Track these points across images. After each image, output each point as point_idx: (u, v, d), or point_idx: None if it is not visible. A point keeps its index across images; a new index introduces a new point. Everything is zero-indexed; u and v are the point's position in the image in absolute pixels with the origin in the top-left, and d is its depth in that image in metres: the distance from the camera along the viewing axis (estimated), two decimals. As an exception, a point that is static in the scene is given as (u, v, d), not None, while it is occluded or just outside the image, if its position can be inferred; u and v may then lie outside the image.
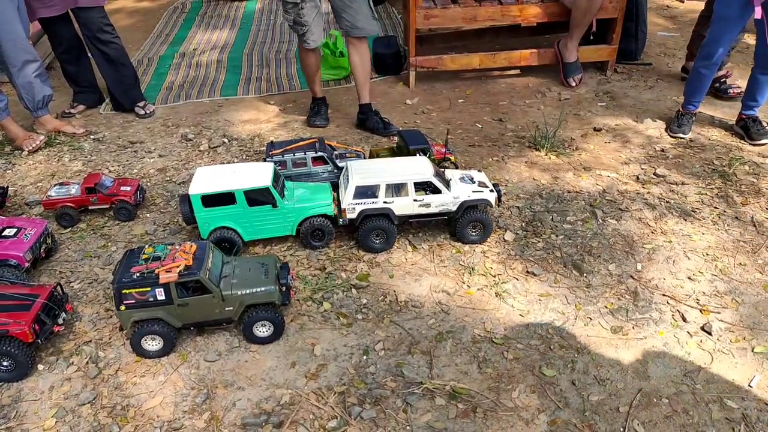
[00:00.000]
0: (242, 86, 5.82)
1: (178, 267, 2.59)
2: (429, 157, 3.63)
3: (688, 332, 2.71)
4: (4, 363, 2.55)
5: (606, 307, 2.87)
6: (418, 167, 3.32)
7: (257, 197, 3.16)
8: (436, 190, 3.25)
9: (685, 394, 2.43)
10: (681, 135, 4.45)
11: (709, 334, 2.69)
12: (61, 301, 2.81)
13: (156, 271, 2.57)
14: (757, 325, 2.74)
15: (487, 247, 3.32)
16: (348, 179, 3.26)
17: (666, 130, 4.58)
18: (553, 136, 4.37)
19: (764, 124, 4.38)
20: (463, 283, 3.06)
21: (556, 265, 3.16)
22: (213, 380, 2.57)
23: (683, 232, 3.37)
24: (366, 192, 3.19)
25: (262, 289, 2.70)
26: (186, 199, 3.18)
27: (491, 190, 3.33)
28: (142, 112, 5.20)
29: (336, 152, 3.82)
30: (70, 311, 2.86)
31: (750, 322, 2.77)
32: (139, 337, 2.63)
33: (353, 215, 3.23)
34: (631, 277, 3.05)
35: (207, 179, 3.22)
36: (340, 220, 3.27)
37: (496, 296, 2.96)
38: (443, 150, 3.90)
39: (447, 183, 3.30)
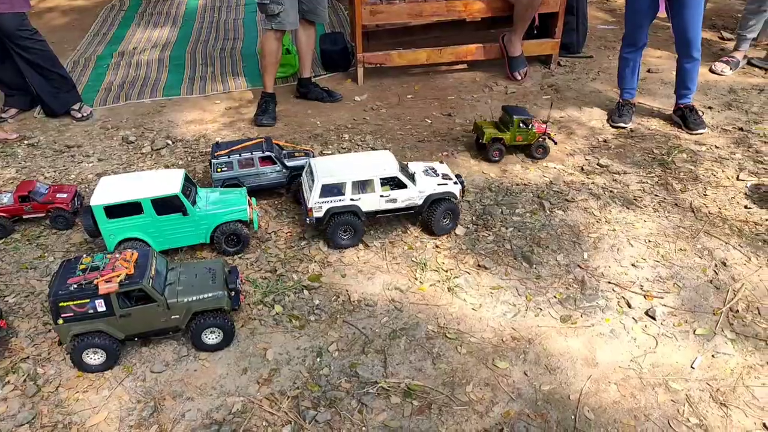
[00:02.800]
0: (186, 86, 5.66)
1: (118, 276, 2.48)
2: (530, 130, 3.95)
3: (634, 318, 2.79)
4: (-68, 386, 2.39)
5: (555, 296, 2.92)
6: (384, 162, 3.29)
7: (166, 205, 3.03)
8: (401, 185, 3.24)
9: (632, 378, 2.49)
10: (622, 124, 4.58)
11: (653, 318, 2.77)
12: (-6, 318, 2.65)
13: (95, 282, 2.46)
14: (698, 308, 2.85)
15: (438, 242, 3.33)
16: (313, 177, 3.19)
17: (608, 120, 4.70)
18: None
19: (700, 113, 4.55)
20: (416, 279, 3.06)
21: (507, 258, 3.20)
22: (160, 392, 2.48)
23: (626, 220, 3.47)
24: (332, 190, 3.15)
25: (210, 295, 2.62)
26: (89, 210, 3.01)
27: (455, 182, 3.36)
28: (79, 116, 4.98)
29: (284, 152, 3.75)
30: (4, 327, 2.71)
31: (691, 305, 2.87)
32: (79, 351, 2.51)
33: (320, 214, 3.18)
34: (578, 266, 3.12)
35: (111, 189, 3.05)
36: (307, 219, 3.21)
37: (449, 291, 2.97)
38: (543, 126, 4.04)
39: (412, 177, 3.30)
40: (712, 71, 5.58)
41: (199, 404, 2.43)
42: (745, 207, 3.56)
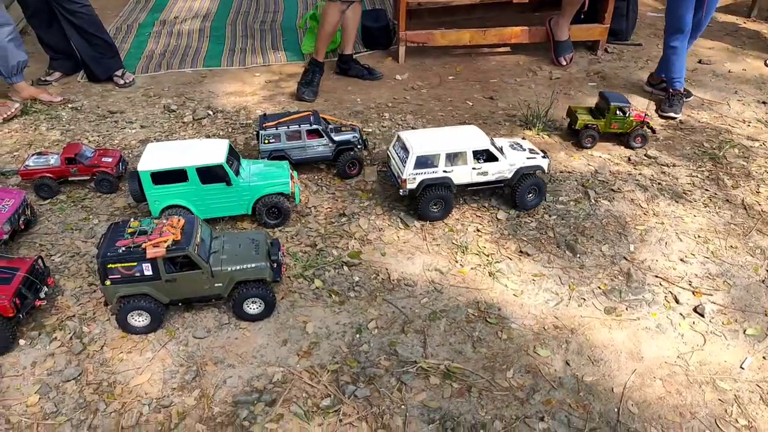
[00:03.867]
0: (226, 57, 5.65)
1: (165, 242, 2.50)
2: (627, 118, 3.88)
3: (681, 314, 2.72)
4: (-17, 338, 2.45)
5: (599, 287, 2.87)
6: (476, 135, 3.28)
7: (210, 174, 3.04)
8: (492, 158, 3.22)
9: (678, 375, 2.44)
10: (672, 114, 4.46)
11: (702, 316, 2.70)
12: (43, 275, 2.70)
13: (143, 246, 2.48)
14: (749, 308, 2.77)
15: (480, 226, 3.29)
16: (405, 149, 3.18)
17: (656, 110, 4.57)
18: (545, 116, 4.33)
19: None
20: (456, 262, 3.03)
21: (550, 246, 3.14)
22: (202, 357, 2.51)
23: (675, 214, 3.38)
24: (426, 162, 3.14)
25: (253, 265, 2.62)
26: (135, 175, 3.04)
27: (543, 156, 3.36)
28: (122, 82, 5.01)
29: (331, 126, 3.73)
30: (51, 285, 2.76)
31: (742, 304, 2.79)
32: (125, 313, 2.55)
33: (413, 185, 3.17)
34: (624, 258, 3.05)
35: (158, 155, 3.08)
36: (400, 191, 3.19)
37: (490, 276, 2.94)
38: (642, 114, 3.98)
39: (500, 150, 3.29)
40: (767, 65, 5.38)
41: (240, 371, 2.45)
42: (801, 207, 3.44)
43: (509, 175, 3.29)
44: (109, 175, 3.53)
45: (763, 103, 4.74)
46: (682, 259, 3.04)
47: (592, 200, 3.48)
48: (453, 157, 3.16)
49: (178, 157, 3.05)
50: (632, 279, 2.90)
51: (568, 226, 3.28)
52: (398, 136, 3.32)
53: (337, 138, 3.63)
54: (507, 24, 5.60)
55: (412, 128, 4.32)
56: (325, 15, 4.69)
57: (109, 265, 2.47)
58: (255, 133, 3.88)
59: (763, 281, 2.91)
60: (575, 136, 4.09)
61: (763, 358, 2.52)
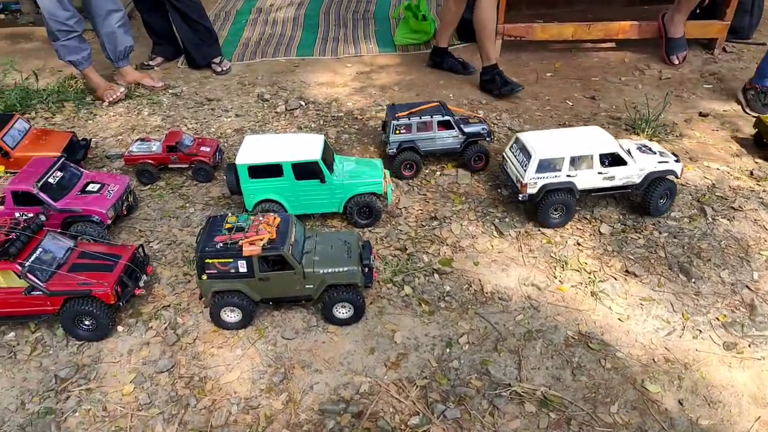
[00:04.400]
0: (318, 46, 5.64)
1: (261, 240, 2.48)
2: None
3: (814, 357, 2.42)
4: (86, 323, 2.53)
5: (718, 319, 2.60)
6: (602, 137, 3.12)
7: (305, 171, 3.01)
8: (619, 162, 3.02)
9: (811, 428, 2.16)
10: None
11: (841, 362, 2.39)
12: (143, 263, 2.77)
13: (240, 243, 2.47)
14: None
15: (581, 239, 3.08)
16: (526, 152, 3.05)
17: (746, 108, 4.24)
18: (656, 120, 4.00)
19: None
20: (555, 277, 2.84)
21: (660, 267, 2.89)
22: (290, 359, 2.49)
23: (806, 240, 3.02)
24: (549, 165, 2.99)
25: (345, 269, 2.56)
26: (233, 168, 3.05)
27: (676, 160, 3.15)
28: (219, 69, 5.11)
29: (457, 117, 3.63)
30: (150, 274, 2.82)
31: None
32: (218, 308, 2.56)
33: (534, 190, 3.03)
34: (747, 287, 2.75)
35: (255, 149, 3.08)
36: (520, 195, 3.07)
37: (592, 296, 2.73)
38: None
39: (628, 154, 3.11)
40: None
41: (326, 378, 2.40)
42: None
43: (638, 180, 3.07)
44: (206, 164, 3.58)
45: None
46: (816, 294, 2.70)
47: (710, 218, 3.17)
48: (577, 161, 2.99)
49: (275, 151, 3.04)
50: (756, 312, 2.61)
51: (681, 246, 3.01)
52: (517, 138, 3.18)
53: (467, 130, 3.54)
54: (611, 18, 5.24)
55: (509, 128, 4.13)
56: (483, 16, 4.45)
57: (207, 260, 2.48)
58: (382, 123, 3.83)
59: None
60: (760, 148, 3.78)
61: None
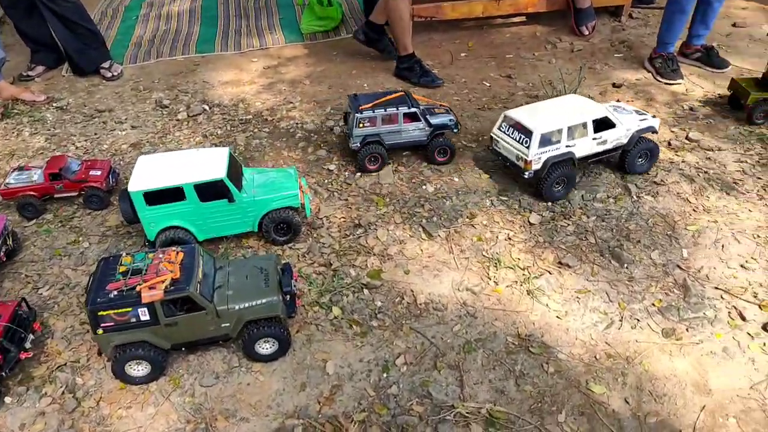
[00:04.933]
0: (219, 41, 5.24)
1: (163, 282, 2.18)
2: None
3: (749, 333, 2.41)
4: (-37, 401, 2.17)
5: (654, 304, 2.55)
6: (586, 104, 3.18)
7: (210, 191, 2.71)
8: (608, 125, 3.09)
9: (754, 411, 2.14)
10: (680, 81, 4.24)
11: (774, 336, 2.39)
12: (27, 321, 2.41)
13: (137, 288, 2.17)
14: (826, 323, 2.45)
15: (511, 233, 2.96)
16: (525, 129, 2.99)
17: (657, 77, 4.30)
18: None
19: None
20: (489, 278, 2.71)
21: (592, 254, 2.81)
22: (212, 410, 2.23)
23: (728, 209, 3.03)
24: (549, 139, 2.98)
25: (263, 301, 2.31)
26: (126, 195, 2.70)
27: (653, 116, 3.27)
28: (109, 74, 4.64)
29: (422, 107, 3.40)
30: (38, 331, 2.46)
31: (817, 319, 2.47)
32: (122, 363, 2.26)
33: (539, 165, 3.00)
34: (678, 266, 2.72)
35: (150, 171, 2.73)
36: (525, 173, 3.01)
37: (528, 294, 2.62)
38: None
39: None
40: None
41: (255, 426, 2.17)
42: None
43: (625, 141, 3.16)
44: (98, 190, 3.20)
45: (810, 69, 4.31)
46: (742, 265, 2.70)
47: (634, 196, 3.13)
48: (573, 130, 3.01)
49: (173, 172, 2.71)
50: (690, 293, 2.58)
51: (609, 229, 2.94)
52: (505, 116, 3.14)
53: (433, 121, 3.33)
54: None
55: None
56: (394, 10, 4.14)
57: (100, 313, 2.16)
58: (344, 115, 3.57)
59: (838, 290, 2.58)
60: (735, 110, 3.80)
61: None
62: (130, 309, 2.17)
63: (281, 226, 2.88)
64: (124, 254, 2.32)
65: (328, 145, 3.69)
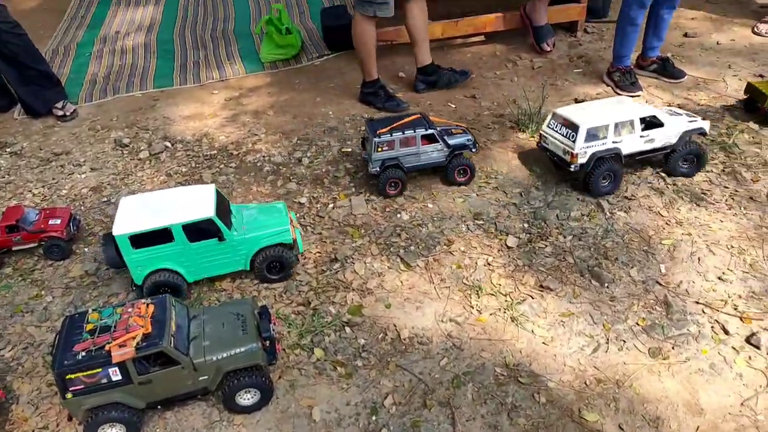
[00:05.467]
0: (178, 74, 5.13)
1: (133, 338, 2.07)
2: None
3: (734, 347, 2.42)
4: None
5: (638, 323, 2.54)
6: (635, 104, 3.32)
7: (199, 230, 2.62)
8: (657, 124, 3.20)
9: (747, 428, 2.14)
10: (639, 93, 4.31)
11: (757, 348, 2.41)
12: (-12, 389, 2.25)
13: (106, 348, 2.05)
14: (805, 332, 2.48)
15: (490, 258, 2.93)
16: (572, 125, 3.13)
17: (617, 91, 4.37)
18: (538, 114, 3.97)
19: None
20: (472, 307, 2.67)
21: (572, 275, 2.81)
22: (194, 471, 2.11)
23: (699, 221, 3.07)
24: (595, 134, 3.12)
25: (242, 349, 2.22)
26: (110, 240, 2.59)
27: (703, 118, 3.35)
28: (61, 113, 4.48)
29: (439, 129, 3.37)
30: (2, 398, 2.30)
31: (796, 328, 2.50)
32: (94, 427, 2.12)
33: (584, 159, 3.14)
34: (658, 282, 2.73)
35: (135, 213, 2.63)
36: (571, 167, 3.14)
37: (512, 321, 2.59)
38: None
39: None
40: (755, 33, 5.10)
41: (241, 485, 2.06)
42: (830, 198, 3.17)
43: (674, 140, 3.26)
44: (59, 239, 3.05)
45: (761, 76, 4.46)
46: (720, 277, 2.73)
47: (607, 213, 3.15)
48: (620, 127, 3.14)
49: (159, 213, 2.62)
50: (672, 309, 2.58)
51: (587, 248, 2.95)
52: (554, 114, 3.30)
53: (451, 142, 3.31)
54: (477, 12, 5.20)
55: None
56: (359, 34, 4.05)
57: (68, 376, 2.03)
58: (361, 140, 3.52)
59: (813, 296, 2.63)
60: (754, 113, 3.85)
61: (836, 394, 2.24)
62: (99, 369, 2.06)
63: (274, 264, 2.79)
64: (90, 311, 2.20)
65: (297, 177, 3.62)
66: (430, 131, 3.26)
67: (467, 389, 2.32)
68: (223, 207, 2.72)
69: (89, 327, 2.13)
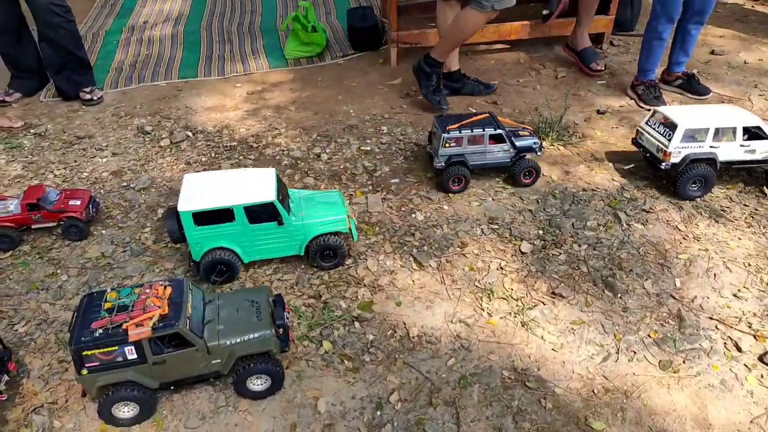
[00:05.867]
0: (203, 66, 5.19)
1: (150, 318, 2.09)
2: None
3: (746, 365, 2.39)
4: (-69, 450, 2.04)
5: (649, 335, 2.52)
6: (743, 112, 3.27)
7: (260, 213, 2.69)
8: (761, 137, 3.17)
9: (756, 447, 2.11)
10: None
11: (770, 366, 2.37)
12: (2, 360, 2.29)
13: (124, 326, 2.07)
14: (820, 353, 2.44)
15: (503, 262, 2.92)
16: (671, 123, 3.18)
17: (639, 104, 4.35)
18: (559, 123, 3.95)
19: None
20: (482, 310, 2.66)
21: (585, 284, 2.79)
22: (198, 454, 2.12)
23: (717, 237, 3.03)
24: (693, 136, 3.14)
25: (256, 335, 2.23)
26: (173, 214, 2.68)
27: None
28: (88, 97, 4.55)
29: (507, 130, 3.40)
30: (14, 371, 2.34)
31: (811, 349, 2.46)
32: (109, 405, 2.15)
33: (677, 159, 3.16)
34: (672, 296, 2.70)
35: (198, 191, 2.71)
36: (663, 164, 3.18)
37: (523, 326, 2.58)
38: None
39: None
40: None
41: (243, 471, 2.07)
42: None
43: None
44: (77, 220, 3.09)
45: (783, 94, 4.42)
46: (735, 295, 2.70)
47: (624, 224, 3.13)
48: (721, 133, 3.13)
49: (222, 193, 2.68)
50: (685, 323, 2.56)
51: (602, 258, 2.93)
52: (655, 111, 3.34)
53: (518, 144, 3.35)
54: (504, 18, 5.19)
55: (414, 144, 3.93)
56: (469, 25, 3.90)
57: (85, 353, 2.06)
58: (429, 134, 3.58)
59: (830, 318, 2.59)
60: None
61: None
62: (116, 347, 2.08)
63: (327, 252, 2.83)
64: (108, 290, 2.23)
65: (315, 172, 3.64)
66: (498, 131, 3.30)
67: (473, 390, 2.31)
68: (282, 192, 2.78)
69: (107, 306, 2.16)
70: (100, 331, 2.07)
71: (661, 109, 3.31)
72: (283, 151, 3.88)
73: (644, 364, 2.40)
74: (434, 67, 4.17)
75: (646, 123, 3.37)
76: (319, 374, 2.40)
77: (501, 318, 2.62)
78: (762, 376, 2.34)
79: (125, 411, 2.18)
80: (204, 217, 2.63)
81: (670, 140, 3.13)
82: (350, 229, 2.83)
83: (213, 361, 2.22)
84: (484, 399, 2.28)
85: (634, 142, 3.49)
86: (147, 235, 3.16)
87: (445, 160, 3.31)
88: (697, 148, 3.14)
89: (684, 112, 3.27)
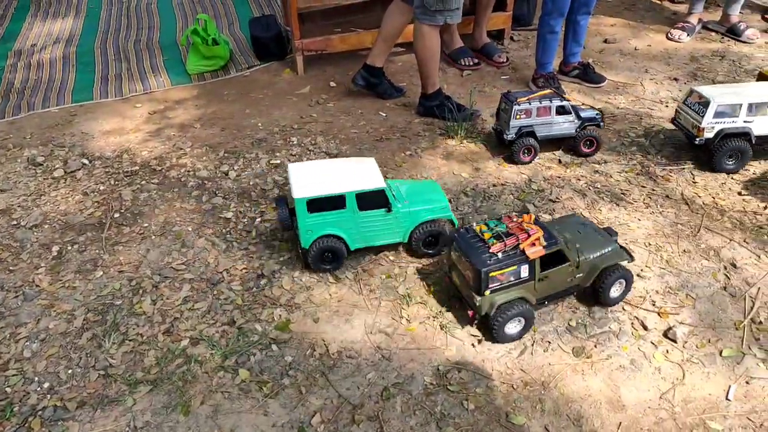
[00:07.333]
0: (98, 87, 4.92)
1: (538, 239, 2.34)
2: None
3: (652, 342, 2.48)
4: None
5: (562, 324, 2.58)
6: None
7: (370, 200, 2.71)
8: None
9: (665, 421, 2.19)
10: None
11: (674, 341, 2.47)
12: None
13: (521, 247, 2.32)
14: (718, 323, 2.57)
15: (420, 265, 2.91)
16: (704, 100, 3.26)
17: None
18: (465, 121, 4.01)
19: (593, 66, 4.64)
20: (401, 317, 2.64)
21: (499, 279, 2.82)
22: None
23: (619, 220, 3.16)
24: (726, 112, 3.24)
25: (610, 249, 2.52)
26: (284, 201, 2.81)
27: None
28: (-29, 132, 4.20)
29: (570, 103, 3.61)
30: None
31: (710, 319, 2.59)
32: (504, 323, 2.38)
33: (711, 134, 3.26)
34: (581, 283, 2.77)
35: (308, 179, 2.72)
36: (697, 140, 3.30)
37: (441, 329, 2.57)
38: None
39: None
40: (669, 38, 5.36)
41: None
42: (739, 194, 3.33)
43: None
44: (-40, 268, 2.83)
45: (675, 79, 4.69)
46: (638, 275, 2.81)
47: (533, 215, 3.19)
48: (755, 108, 3.23)
49: (333, 180, 2.71)
50: (593, 308, 2.63)
51: (514, 252, 2.97)
52: (691, 91, 3.43)
53: (583, 115, 3.56)
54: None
55: (325, 153, 3.87)
56: (426, 44, 3.92)
57: (492, 274, 2.30)
58: (496, 112, 3.65)
59: (724, 288, 2.74)
60: None
61: (746, 383, 2.32)
62: (514, 267, 2.33)
63: (429, 239, 2.84)
64: (473, 224, 2.50)
65: (224, 191, 3.51)
66: (564, 102, 3.49)
67: (396, 401, 2.28)
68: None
69: (488, 236, 2.38)
70: (500, 254, 2.31)
71: (698, 88, 3.41)
72: (188, 171, 3.72)
73: (559, 353, 2.45)
74: (437, 97, 4.19)
75: (684, 102, 3.49)
76: (237, 406, 2.30)
77: (420, 323, 2.61)
78: (667, 352, 2.44)
79: (513, 326, 2.44)
80: (317, 204, 2.66)
81: (703, 116, 3.24)
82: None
83: (577, 276, 2.48)
84: (407, 409, 2.26)
85: (673, 121, 3.61)
86: (41, 276, 2.94)
87: (515, 132, 3.46)
88: (731, 123, 3.25)
89: (717, 90, 3.38)
